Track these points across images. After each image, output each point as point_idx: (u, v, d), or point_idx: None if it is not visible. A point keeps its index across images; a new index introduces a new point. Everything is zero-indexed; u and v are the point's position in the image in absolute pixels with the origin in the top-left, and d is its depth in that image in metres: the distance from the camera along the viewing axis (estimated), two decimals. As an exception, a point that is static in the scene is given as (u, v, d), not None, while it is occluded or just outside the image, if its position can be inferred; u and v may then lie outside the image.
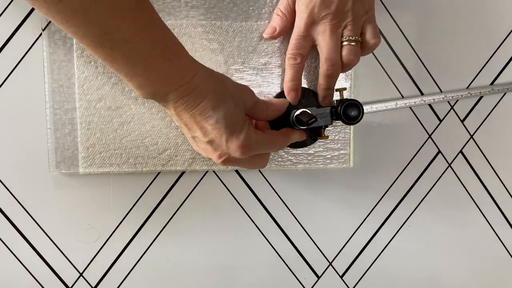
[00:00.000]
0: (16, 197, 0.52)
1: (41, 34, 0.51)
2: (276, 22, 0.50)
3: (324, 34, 0.47)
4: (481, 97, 0.58)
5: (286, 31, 0.51)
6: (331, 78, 0.49)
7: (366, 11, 0.47)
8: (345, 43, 0.48)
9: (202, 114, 0.41)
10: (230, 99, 0.42)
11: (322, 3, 0.46)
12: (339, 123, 0.54)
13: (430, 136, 0.58)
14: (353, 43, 0.48)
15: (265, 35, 0.51)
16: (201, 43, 0.51)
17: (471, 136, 0.58)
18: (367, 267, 0.58)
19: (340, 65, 0.49)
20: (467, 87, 0.57)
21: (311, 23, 0.47)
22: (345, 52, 0.48)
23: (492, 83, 0.58)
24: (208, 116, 0.41)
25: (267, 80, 0.52)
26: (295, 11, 0.49)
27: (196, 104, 0.41)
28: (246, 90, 0.45)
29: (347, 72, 0.53)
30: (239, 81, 0.51)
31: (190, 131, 0.44)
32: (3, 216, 0.53)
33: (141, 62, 0.38)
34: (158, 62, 0.39)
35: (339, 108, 0.49)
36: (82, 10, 0.34)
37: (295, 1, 0.49)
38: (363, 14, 0.47)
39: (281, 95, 0.51)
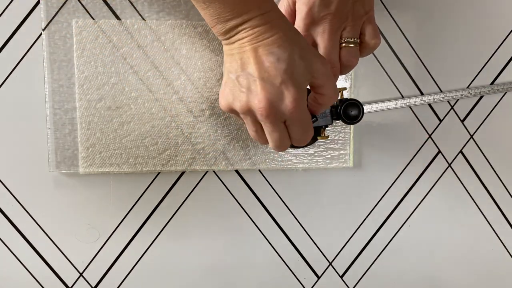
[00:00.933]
0: (16, 197, 0.52)
1: (41, 34, 0.51)
2: None
3: (323, 35, 0.47)
4: (481, 97, 0.58)
5: None
6: None
7: (366, 12, 0.47)
8: (343, 44, 0.48)
9: (266, 48, 0.40)
10: (299, 49, 0.41)
11: (321, 2, 0.46)
12: (339, 123, 0.54)
13: (430, 136, 0.58)
14: (351, 45, 0.48)
15: None
16: (201, 43, 0.51)
17: (471, 136, 0.58)
18: (367, 267, 0.58)
19: (339, 66, 0.49)
20: (467, 87, 0.57)
21: (311, 23, 0.47)
22: (343, 54, 0.48)
23: (492, 83, 0.58)
24: (271, 51, 0.40)
25: (267, 80, 0.52)
26: (295, 13, 0.49)
27: (265, 37, 0.40)
28: (319, 57, 0.43)
29: (347, 72, 0.53)
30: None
31: (241, 67, 0.41)
32: (3, 216, 0.53)
33: None
34: None
35: (339, 107, 0.49)
36: None
37: (295, 2, 0.48)
38: (363, 15, 0.47)
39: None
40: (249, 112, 0.42)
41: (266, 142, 0.46)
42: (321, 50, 0.48)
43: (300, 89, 0.41)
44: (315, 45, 0.49)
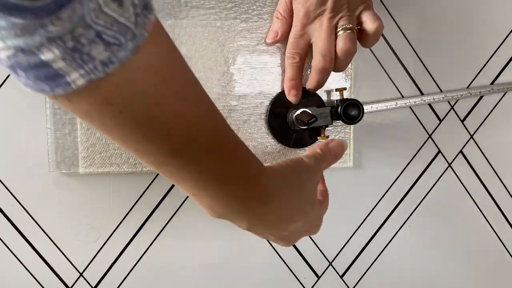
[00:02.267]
0: (16, 197, 0.52)
1: (41, 34, 0.51)
2: (276, 25, 0.50)
3: (320, 29, 0.47)
4: (481, 97, 0.58)
5: (288, 33, 0.50)
6: (323, 72, 0.47)
7: (363, 1, 0.47)
8: (340, 32, 0.46)
9: (278, 228, 0.39)
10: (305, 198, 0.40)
11: (318, 1, 0.46)
12: (339, 123, 0.54)
13: (430, 136, 0.58)
14: (348, 31, 0.46)
15: (268, 41, 0.51)
16: (201, 43, 0.51)
17: (471, 136, 0.58)
18: (367, 267, 0.58)
19: (333, 60, 0.47)
20: (467, 87, 0.57)
21: (307, 22, 0.47)
22: (340, 40, 0.46)
23: (492, 83, 0.58)
24: (286, 228, 0.39)
25: (268, 80, 0.52)
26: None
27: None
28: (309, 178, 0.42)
29: (347, 72, 0.53)
30: (240, 81, 0.51)
31: (291, 220, 0.39)
32: (3, 216, 0.53)
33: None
34: (235, 162, 0.34)
35: (339, 108, 0.49)
36: (148, 123, 0.28)
37: (292, 2, 0.48)
38: (359, 5, 0.47)
39: (281, 94, 0.51)
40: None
41: None
42: (317, 42, 0.47)
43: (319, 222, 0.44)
44: (310, 44, 0.49)
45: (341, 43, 0.46)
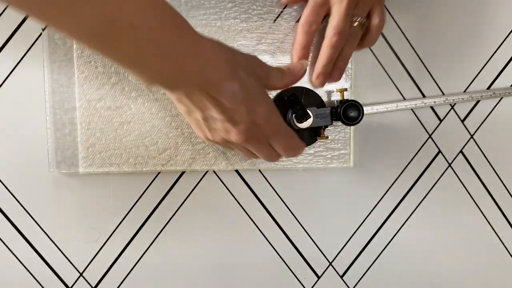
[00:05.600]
0: (16, 197, 0.52)
1: (41, 34, 0.51)
2: None
3: (341, 3, 0.45)
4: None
5: None
6: (335, 48, 0.47)
7: None
8: (355, 24, 0.47)
9: (216, 88, 0.38)
10: (242, 69, 0.39)
11: None
12: (339, 123, 0.54)
13: (430, 136, 0.58)
14: (356, 23, 0.47)
15: (283, 0, 0.50)
16: (201, 43, 0.51)
17: (471, 136, 0.58)
18: (368, 267, 0.58)
19: (345, 38, 0.47)
20: (466, 88, 0.57)
21: None
22: (353, 29, 0.47)
23: (492, 83, 0.58)
24: (225, 89, 0.38)
25: (267, 80, 0.52)
26: None
27: (210, 76, 0.37)
28: (255, 59, 0.43)
29: (347, 72, 0.53)
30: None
31: (202, 111, 0.40)
32: (3, 216, 0.53)
33: (150, 46, 0.33)
34: (170, 41, 0.34)
35: (339, 108, 0.49)
36: None
37: None
38: None
39: (281, 94, 0.51)
40: (231, 143, 0.43)
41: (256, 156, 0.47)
42: (334, 15, 0.46)
43: (265, 100, 0.41)
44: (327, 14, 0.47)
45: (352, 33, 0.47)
